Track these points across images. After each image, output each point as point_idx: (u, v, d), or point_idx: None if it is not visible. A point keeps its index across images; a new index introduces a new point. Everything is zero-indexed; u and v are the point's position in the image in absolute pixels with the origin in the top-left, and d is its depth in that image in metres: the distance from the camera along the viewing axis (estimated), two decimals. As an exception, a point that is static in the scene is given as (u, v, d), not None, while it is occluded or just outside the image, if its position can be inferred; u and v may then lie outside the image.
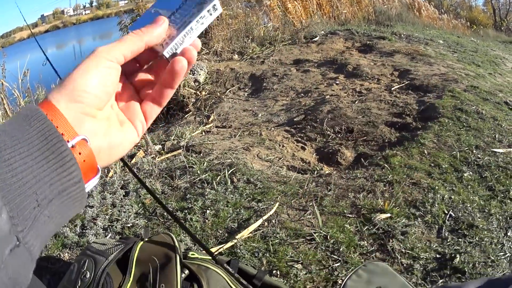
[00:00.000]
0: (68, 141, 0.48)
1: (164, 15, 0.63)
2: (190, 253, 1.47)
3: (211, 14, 0.63)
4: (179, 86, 5.09)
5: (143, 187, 2.28)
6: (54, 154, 0.45)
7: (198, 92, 5.14)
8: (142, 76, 0.67)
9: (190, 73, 5.48)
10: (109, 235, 2.15)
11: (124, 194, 2.51)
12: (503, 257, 1.91)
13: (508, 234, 2.05)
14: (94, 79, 0.53)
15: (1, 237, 0.38)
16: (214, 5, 0.62)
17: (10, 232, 0.39)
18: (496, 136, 3.00)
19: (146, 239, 1.48)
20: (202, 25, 0.63)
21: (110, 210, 2.35)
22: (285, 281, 1.80)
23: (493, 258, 1.90)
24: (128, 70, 0.65)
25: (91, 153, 0.51)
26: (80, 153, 0.50)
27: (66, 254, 2.05)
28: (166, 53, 0.61)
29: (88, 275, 1.31)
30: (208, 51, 6.64)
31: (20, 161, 0.42)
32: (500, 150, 2.78)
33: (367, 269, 1.66)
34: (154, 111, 0.65)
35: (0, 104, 4.94)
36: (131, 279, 1.30)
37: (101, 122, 0.56)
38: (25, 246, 0.41)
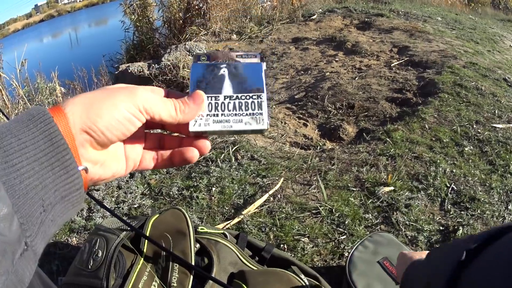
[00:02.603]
0: None
1: (224, 90, 0.62)
2: (200, 227, 1.47)
3: (252, 132, 0.62)
4: (179, 67, 5.07)
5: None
6: (59, 161, 0.46)
7: (197, 73, 5.14)
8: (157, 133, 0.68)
9: (189, 55, 5.45)
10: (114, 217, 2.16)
11: (129, 176, 2.52)
12: (504, 230, 1.94)
13: (509, 207, 2.09)
14: (117, 123, 0.53)
15: (13, 243, 0.40)
16: (262, 130, 0.61)
17: (20, 238, 0.41)
18: (496, 111, 3.01)
19: (157, 215, 1.47)
20: (236, 134, 0.64)
21: (116, 192, 2.36)
22: (293, 255, 1.83)
23: (495, 230, 1.93)
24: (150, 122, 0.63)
25: (85, 181, 0.51)
26: None
27: (74, 238, 2.06)
28: (192, 132, 0.60)
29: (100, 254, 1.29)
30: (206, 32, 6.60)
31: (28, 167, 0.43)
32: (500, 126, 2.81)
33: (373, 240, 1.69)
34: (150, 164, 0.64)
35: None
36: (144, 256, 1.29)
37: (102, 153, 0.56)
38: (32, 249, 0.43)
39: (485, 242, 0.54)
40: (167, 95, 0.61)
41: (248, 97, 0.62)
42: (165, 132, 0.67)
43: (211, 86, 0.62)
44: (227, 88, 0.62)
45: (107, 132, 0.52)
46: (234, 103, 0.61)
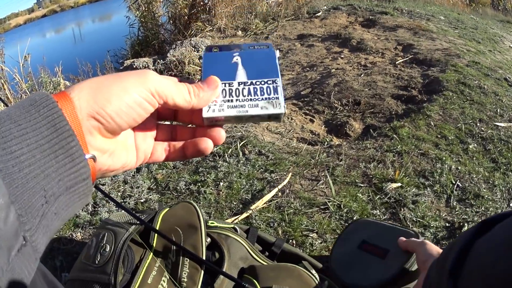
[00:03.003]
0: None
1: (238, 76, 0.61)
2: (210, 221, 1.45)
3: (269, 118, 0.59)
4: (184, 63, 5.09)
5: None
6: (63, 149, 0.43)
7: (203, 69, 5.15)
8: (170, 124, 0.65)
9: (194, 51, 5.47)
10: (122, 211, 2.15)
11: (135, 170, 2.51)
12: (506, 227, 1.97)
13: (511, 204, 2.11)
14: (127, 108, 0.50)
15: (9, 238, 0.37)
16: (279, 114, 0.59)
17: (18, 231, 0.38)
18: (498, 110, 3.05)
19: (168, 209, 1.44)
20: (252, 120, 0.61)
21: (122, 187, 2.37)
22: (302, 250, 1.83)
23: (497, 227, 1.96)
24: (162, 111, 0.62)
25: (93, 171, 0.48)
26: None
27: (79, 233, 2.06)
28: (206, 118, 0.58)
29: (108, 249, 1.25)
30: (211, 28, 6.63)
31: (28, 154, 0.40)
32: (502, 124, 2.84)
33: (349, 230, 1.66)
34: (161, 156, 0.61)
35: (1, 89, 4.90)
36: (153, 251, 1.27)
37: (111, 141, 0.52)
38: (32, 245, 0.40)
39: (499, 218, 0.57)
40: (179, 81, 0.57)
41: (263, 83, 0.60)
42: (177, 123, 0.64)
43: (224, 73, 0.61)
44: (241, 74, 0.61)
45: (116, 117, 0.49)
46: (249, 88, 0.60)
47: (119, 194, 2.31)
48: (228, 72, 0.61)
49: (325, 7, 7.41)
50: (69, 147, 0.44)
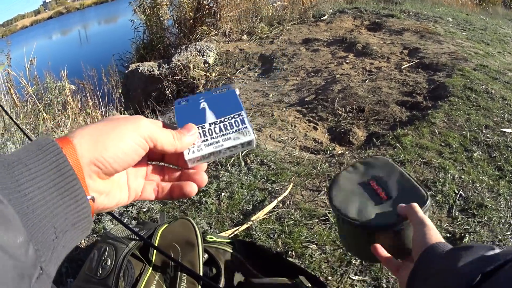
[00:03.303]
0: None
1: (208, 118, 0.69)
2: (208, 236, 1.47)
3: (243, 146, 0.66)
4: (189, 68, 5.09)
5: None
6: (68, 191, 0.49)
7: (208, 74, 5.15)
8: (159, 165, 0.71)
9: (199, 55, 5.48)
10: (125, 220, 2.17)
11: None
12: (509, 237, 1.96)
13: (515, 213, 2.10)
14: (123, 154, 0.56)
15: (29, 268, 0.42)
16: (251, 141, 0.66)
17: (36, 263, 0.43)
18: (505, 116, 3.02)
19: (166, 225, 1.45)
20: (229, 152, 0.67)
21: (124, 197, 2.36)
22: (300, 262, 1.84)
23: (500, 237, 1.94)
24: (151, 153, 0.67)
25: (92, 209, 0.54)
26: None
27: (83, 241, 2.08)
28: (188, 161, 0.65)
29: (109, 262, 1.30)
30: (216, 32, 6.63)
31: (39, 196, 0.46)
32: (509, 130, 2.81)
33: (365, 161, 1.62)
34: (151, 196, 0.67)
35: (8, 93, 4.91)
36: (152, 265, 1.30)
37: (107, 182, 0.59)
38: (47, 273, 0.45)
39: (500, 265, 0.56)
40: (163, 127, 0.65)
41: (230, 118, 0.68)
42: (165, 165, 0.71)
43: (196, 119, 0.69)
44: (210, 116, 0.69)
45: (114, 163, 0.56)
46: (220, 126, 0.67)
47: (121, 203, 2.29)
48: (199, 117, 0.69)
49: (331, 10, 7.39)
50: (73, 190, 0.50)
